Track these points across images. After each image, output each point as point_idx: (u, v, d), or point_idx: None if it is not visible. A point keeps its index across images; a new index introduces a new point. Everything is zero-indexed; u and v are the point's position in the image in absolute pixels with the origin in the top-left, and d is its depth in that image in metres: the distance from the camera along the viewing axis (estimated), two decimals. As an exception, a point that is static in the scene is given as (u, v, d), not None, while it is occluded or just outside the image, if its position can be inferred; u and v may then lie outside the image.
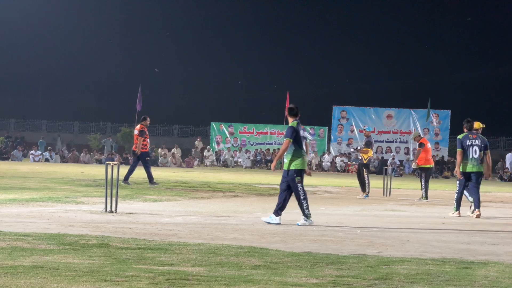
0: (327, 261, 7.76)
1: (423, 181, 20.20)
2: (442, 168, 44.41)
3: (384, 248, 9.21)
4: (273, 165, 12.52)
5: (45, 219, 11.11)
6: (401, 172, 43.02)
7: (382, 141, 46.50)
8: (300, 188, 11.92)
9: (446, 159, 46.19)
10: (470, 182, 14.92)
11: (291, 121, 12.25)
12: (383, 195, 21.30)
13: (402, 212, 15.64)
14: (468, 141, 15.03)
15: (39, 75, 66.53)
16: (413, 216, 14.55)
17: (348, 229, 11.51)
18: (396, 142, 46.81)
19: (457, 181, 15.14)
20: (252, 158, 46.86)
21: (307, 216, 11.82)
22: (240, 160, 46.75)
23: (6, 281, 6.04)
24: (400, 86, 65.30)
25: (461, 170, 14.87)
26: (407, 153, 46.63)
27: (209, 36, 69.26)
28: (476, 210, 14.73)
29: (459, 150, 15.03)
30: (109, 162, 13.36)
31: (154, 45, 68.15)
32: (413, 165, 20.56)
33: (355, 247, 9.20)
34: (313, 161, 46.65)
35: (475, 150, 14.89)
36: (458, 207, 14.98)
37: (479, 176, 14.89)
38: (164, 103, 65.19)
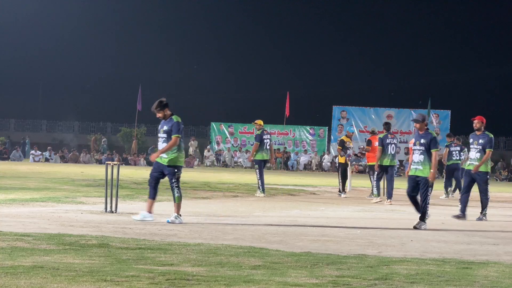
0: (327, 261, 7.76)
1: None
2: (442, 168, 44.34)
3: (384, 248, 9.21)
4: (155, 156, 11.60)
5: (45, 219, 11.10)
6: (401, 173, 43.00)
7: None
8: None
9: (446, 159, 46.16)
10: (386, 174, 18.35)
11: (170, 115, 11.59)
12: (383, 195, 21.28)
13: (402, 212, 15.64)
14: (387, 139, 18.14)
15: (39, 75, 66.53)
16: (413, 216, 14.53)
17: (348, 229, 11.51)
18: (396, 142, 46.76)
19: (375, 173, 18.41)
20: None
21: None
22: (240, 160, 46.73)
23: (6, 281, 6.04)
24: (400, 86, 65.30)
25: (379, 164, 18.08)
26: (407, 153, 46.59)
27: (209, 36, 69.25)
28: (389, 200, 18.10)
29: (379, 148, 18.08)
30: (109, 162, 13.37)
31: (154, 45, 68.16)
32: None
33: (355, 247, 9.20)
34: (313, 161, 46.66)
35: (393, 147, 18.09)
36: (378, 193, 18.66)
37: (392, 168, 18.20)
38: (164, 103, 65.06)
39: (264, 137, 19.71)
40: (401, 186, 26.48)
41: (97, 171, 28.56)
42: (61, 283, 6.05)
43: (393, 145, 18.20)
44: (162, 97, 11.81)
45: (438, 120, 47.44)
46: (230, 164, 46.11)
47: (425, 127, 12.49)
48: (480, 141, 14.02)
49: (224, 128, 49.47)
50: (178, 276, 6.55)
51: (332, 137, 48.45)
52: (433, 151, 12.21)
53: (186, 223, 11.38)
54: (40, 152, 44.12)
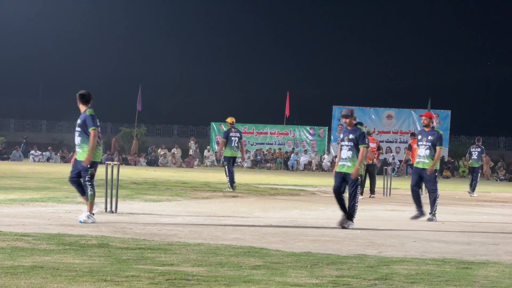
0: (327, 261, 7.76)
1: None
2: (442, 168, 44.43)
3: (384, 248, 9.21)
4: (87, 161, 11.17)
5: (45, 219, 11.10)
6: (400, 173, 42.99)
7: (382, 141, 46.41)
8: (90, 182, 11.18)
9: (446, 159, 46.22)
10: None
11: (85, 109, 11.35)
12: (383, 195, 21.31)
13: (402, 212, 15.63)
14: None
15: (39, 75, 66.54)
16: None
17: (348, 229, 11.50)
18: (396, 142, 46.80)
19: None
20: (252, 158, 46.84)
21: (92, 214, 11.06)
22: (240, 160, 46.69)
23: (6, 281, 6.04)
24: (400, 86, 65.31)
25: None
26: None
27: (209, 36, 69.26)
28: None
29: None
30: (109, 162, 13.38)
31: (154, 45, 68.16)
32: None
33: (355, 247, 9.20)
34: (313, 161, 46.66)
35: None
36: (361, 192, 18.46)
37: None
38: (164, 103, 65.16)
39: (231, 134, 20.52)
40: (401, 186, 26.52)
41: (97, 171, 28.53)
42: (61, 283, 6.05)
43: None
44: (86, 91, 11.61)
45: (438, 120, 47.40)
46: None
47: (354, 122, 12.04)
48: (429, 137, 13.69)
49: (224, 128, 49.43)
50: (178, 276, 6.55)
51: (332, 137, 48.44)
52: (361, 147, 11.76)
53: (186, 223, 11.38)
54: (40, 152, 44.12)
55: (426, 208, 13.72)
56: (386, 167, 23.81)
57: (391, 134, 47.23)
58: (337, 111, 48.34)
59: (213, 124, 49.82)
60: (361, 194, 19.71)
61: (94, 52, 65.55)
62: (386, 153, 46.03)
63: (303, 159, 46.81)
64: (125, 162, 41.42)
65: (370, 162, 20.68)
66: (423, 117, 14.04)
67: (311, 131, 49.14)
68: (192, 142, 48.41)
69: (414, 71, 67.43)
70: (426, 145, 13.72)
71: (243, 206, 15.51)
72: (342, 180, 11.82)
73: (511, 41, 65.96)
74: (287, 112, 45.40)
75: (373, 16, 69.06)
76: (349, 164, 11.79)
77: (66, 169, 32.40)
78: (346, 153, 11.89)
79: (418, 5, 68.66)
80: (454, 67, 66.88)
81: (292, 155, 46.86)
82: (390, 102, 51.43)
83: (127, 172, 27.38)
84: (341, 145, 12.05)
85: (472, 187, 23.72)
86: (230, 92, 66.54)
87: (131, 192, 17.61)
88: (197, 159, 46.13)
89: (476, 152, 24.04)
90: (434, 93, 51.66)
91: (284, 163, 46.22)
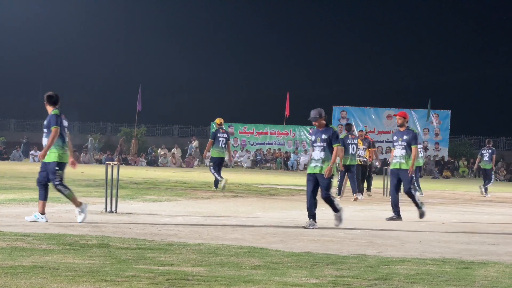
0: (327, 261, 7.76)
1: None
2: (442, 168, 44.42)
3: (384, 248, 9.21)
4: (42, 154, 11.44)
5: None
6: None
7: (382, 141, 46.49)
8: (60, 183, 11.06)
9: (446, 159, 46.23)
10: (349, 173, 18.57)
11: (52, 110, 11.18)
12: (383, 195, 21.30)
13: (402, 212, 15.62)
14: (348, 140, 18.64)
15: (39, 75, 66.51)
16: (413, 216, 14.54)
17: (348, 229, 11.51)
18: (396, 142, 46.71)
19: (339, 172, 18.53)
20: (252, 158, 46.84)
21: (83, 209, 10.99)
22: (240, 160, 46.72)
23: (6, 281, 6.04)
24: (400, 86, 65.28)
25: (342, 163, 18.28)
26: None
27: (209, 36, 69.26)
28: (354, 194, 18.73)
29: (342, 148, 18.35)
30: (109, 162, 13.38)
31: (154, 45, 68.15)
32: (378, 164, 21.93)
33: (355, 247, 9.21)
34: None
35: (353, 147, 18.72)
36: (339, 193, 18.82)
37: (353, 167, 18.70)
38: (164, 103, 65.13)
39: (218, 135, 20.73)
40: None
41: (97, 171, 28.53)
42: (61, 283, 6.05)
43: (353, 145, 18.83)
44: (53, 93, 11.41)
45: (438, 120, 47.42)
46: (230, 164, 46.09)
47: (325, 123, 11.74)
48: (405, 137, 13.42)
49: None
50: (178, 276, 6.55)
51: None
52: (335, 146, 11.51)
53: (186, 223, 11.38)
54: (40, 152, 44.12)
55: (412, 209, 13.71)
56: (386, 167, 23.77)
57: (391, 134, 47.17)
58: (337, 111, 48.39)
59: (213, 124, 49.75)
60: (361, 193, 19.72)
61: (94, 52, 65.52)
62: (386, 153, 45.99)
63: (303, 159, 46.82)
64: (125, 162, 41.43)
65: (371, 161, 20.73)
66: (397, 117, 13.71)
67: (311, 131, 49.09)
68: (192, 141, 48.43)
69: (414, 71, 67.40)
70: (401, 145, 13.47)
71: (243, 206, 15.52)
72: (316, 183, 11.70)
73: (510, 41, 65.96)
74: (287, 112, 45.39)
75: (373, 16, 69.01)
76: (321, 165, 11.59)
77: (66, 169, 32.33)
78: (318, 154, 11.64)
79: (418, 5, 68.65)
80: (454, 67, 66.86)
81: (292, 155, 46.88)
82: (390, 102, 51.42)
83: (127, 172, 27.38)
84: (313, 146, 11.81)
85: (485, 188, 23.84)
86: (230, 92, 66.52)
87: (131, 192, 17.62)
88: (197, 159, 46.13)
89: (487, 154, 24.26)
90: (434, 93, 51.67)
91: (284, 163, 46.21)
